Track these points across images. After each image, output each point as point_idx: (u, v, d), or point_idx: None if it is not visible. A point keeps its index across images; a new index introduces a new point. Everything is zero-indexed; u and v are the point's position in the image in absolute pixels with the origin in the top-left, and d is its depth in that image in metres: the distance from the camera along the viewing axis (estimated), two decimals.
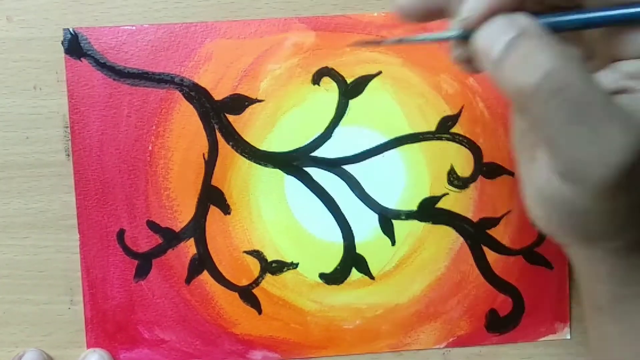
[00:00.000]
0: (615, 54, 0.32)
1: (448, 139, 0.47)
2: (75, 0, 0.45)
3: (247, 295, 0.47)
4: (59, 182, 0.46)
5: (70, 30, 0.45)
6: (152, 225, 0.46)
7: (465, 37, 0.32)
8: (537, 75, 0.28)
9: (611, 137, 0.28)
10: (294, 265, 0.47)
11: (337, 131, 0.47)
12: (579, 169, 0.29)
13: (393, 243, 0.47)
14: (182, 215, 0.46)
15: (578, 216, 0.31)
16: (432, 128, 0.47)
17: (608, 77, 0.31)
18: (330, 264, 0.47)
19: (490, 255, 0.47)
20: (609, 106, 0.28)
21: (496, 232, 0.47)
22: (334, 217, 0.47)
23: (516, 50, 0.29)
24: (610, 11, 0.31)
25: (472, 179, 0.47)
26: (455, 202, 0.47)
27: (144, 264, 0.46)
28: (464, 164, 0.47)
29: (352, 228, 0.47)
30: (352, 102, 0.46)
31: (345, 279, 0.47)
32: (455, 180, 0.47)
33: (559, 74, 0.28)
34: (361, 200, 0.47)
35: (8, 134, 0.45)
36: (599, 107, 0.28)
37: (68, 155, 0.45)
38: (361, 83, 0.46)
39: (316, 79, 0.46)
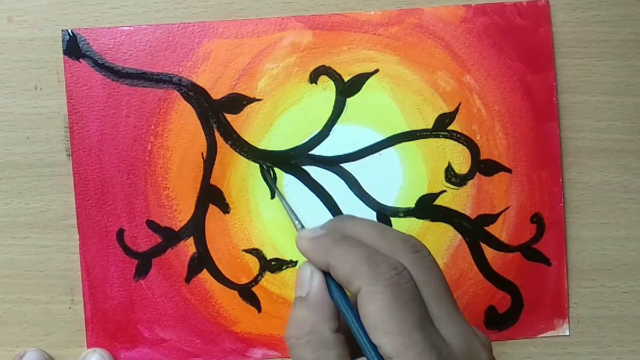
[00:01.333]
0: None
1: (445, 137, 0.47)
2: (75, 0, 0.46)
3: (247, 293, 0.47)
4: (59, 182, 0.46)
5: (69, 31, 0.45)
6: (152, 225, 0.46)
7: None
8: (287, 341, 0.38)
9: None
10: (293, 263, 0.47)
11: (335, 129, 0.47)
12: None
13: None
14: (181, 215, 0.46)
15: None
16: (429, 126, 0.47)
17: None
18: None
19: (489, 252, 0.47)
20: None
21: (494, 229, 0.47)
22: (332, 215, 0.47)
23: (293, 308, 0.38)
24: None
25: (469, 176, 0.47)
26: (453, 199, 0.47)
27: (143, 263, 0.46)
28: (462, 161, 0.47)
29: None
30: (349, 101, 0.47)
31: None
32: (453, 177, 0.47)
33: (298, 350, 0.37)
34: (359, 198, 0.47)
35: (9, 134, 0.46)
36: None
37: (69, 155, 0.46)
38: (358, 81, 0.47)
39: (313, 78, 0.47)
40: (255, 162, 0.47)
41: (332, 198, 0.47)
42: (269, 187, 0.47)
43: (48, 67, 0.46)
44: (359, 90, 0.47)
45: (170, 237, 0.46)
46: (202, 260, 0.47)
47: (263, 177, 0.47)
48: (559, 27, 0.48)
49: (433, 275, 0.37)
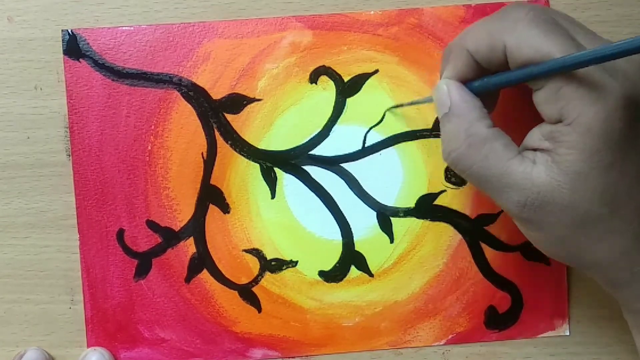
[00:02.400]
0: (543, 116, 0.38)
1: None
2: (75, 0, 0.46)
3: (247, 293, 0.47)
4: (59, 182, 0.46)
5: (69, 31, 0.45)
6: (152, 225, 0.46)
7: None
8: (450, 158, 0.39)
9: (508, 198, 0.37)
10: (293, 263, 0.47)
11: (335, 129, 0.47)
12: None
13: (391, 240, 0.47)
14: (181, 215, 0.46)
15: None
16: (429, 125, 0.47)
17: (534, 136, 0.38)
18: (329, 262, 0.47)
19: (488, 252, 0.48)
20: (503, 178, 0.37)
21: (494, 229, 0.47)
22: (332, 215, 0.47)
23: (443, 128, 0.40)
24: (517, 72, 0.37)
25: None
26: (453, 198, 0.47)
27: (143, 263, 0.46)
28: None
29: (351, 226, 0.47)
30: (349, 101, 0.47)
31: (345, 276, 0.47)
32: (453, 177, 0.47)
33: (464, 159, 0.38)
34: (359, 198, 0.47)
35: (9, 134, 0.46)
36: (495, 180, 0.37)
37: (69, 155, 0.46)
38: (358, 81, 0.47)
39: (313, 78, 0.47)
40: (255, 162, 0.47)
41: (332, 198, 0.47)
42: (269, 187, 0.47)
43: (48, 67, 0.46)
44: (359, 90, 0.47)
45: (170, 237, 0.47)
46: (202, 260, 0.47)
47: (263, 177, 0.47)
48: None
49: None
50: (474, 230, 0.47)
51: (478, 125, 0.38)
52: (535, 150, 0.37)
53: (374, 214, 0.47)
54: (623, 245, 0.37)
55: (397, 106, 0.46)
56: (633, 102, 0.35)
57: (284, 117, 0.47)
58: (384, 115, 0.47)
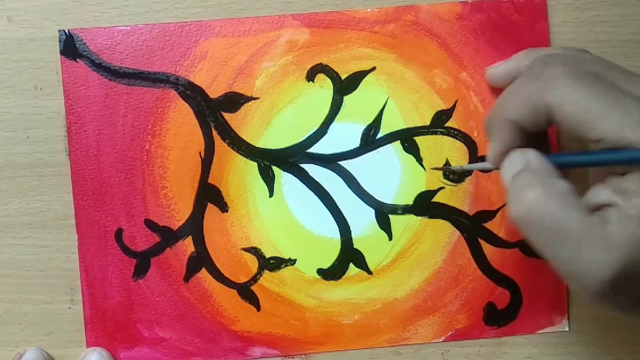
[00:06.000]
0: (607, 169, 0.36)
1: (443, 133, 0.47)
2: (75, 0, 0.46)
3: (246, 292, 0.47)
4: (59, 182, 0.46)
5: (65, 31, 0.46)
6: (150, 224, 0.46)
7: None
8: (521, 208, 0.35)
9: (590, 257, 0.33)
10: (292, 262, 0.47)
11: (333, 127, 0.47)
12: (570, 282, 0.35)
13: (390, 238, 0.47)
14: (179, 214, 0.47)
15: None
16: (427, 123, 0.47)
17: (601, 191, 0.36)
18: (328, 260, 0.47)
19: (487, 248, 0.47)
20: (585, 230, 0.33)
21: (492, 225, 0.47)
22: (330, 212, 0.47)
23: (514, 184, 0.37)
24: (604, 155, 0.35)
25: (467, 172, 0.47)
26: (451, 195, 0.47)
27: (142, 262, 0.47)
28: (459, 158, 0.47)
29: (349, 223, 0.47)
30: (346, 99, 0.47)
31: (343, 274, 0.47)
32: (451, 174, 0.47)
33: (538, 207, 0.35)
34: (358, 196, 0.47)
35: (9, 133, 0.46)
36: (574, 232, 0.34)
37: (68, 155, 0.46)
38: (355, 79, 0.47)
39: (311, 76, 0.47)
40: (253, 160, 0.47)
41: (330, 196, 0.47)
42: (267, 185, 0.47)
43: (48, 67, 0.46)
44: (356, 88, 0.47)
45: (169, 237, 0.47)
46: (201, 260, 0.47)
47: (261, 176, 0.47)
48: (558, 27, 0.48)
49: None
50: (473, 226, 0.47)
51: (557, 179, 0.36)
52: (601, 208, 0.35)
53: (372, 211, 0.47)
54: None
55: (447, 170, 0.47)
56: None
57: (282, 115, 0.47)
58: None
